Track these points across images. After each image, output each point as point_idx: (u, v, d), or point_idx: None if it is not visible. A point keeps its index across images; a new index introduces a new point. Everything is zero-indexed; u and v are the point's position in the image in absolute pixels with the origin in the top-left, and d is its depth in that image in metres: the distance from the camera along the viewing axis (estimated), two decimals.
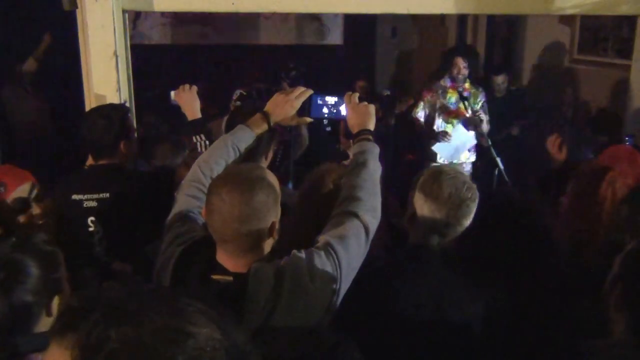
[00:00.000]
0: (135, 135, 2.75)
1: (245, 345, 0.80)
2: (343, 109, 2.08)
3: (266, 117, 2.01)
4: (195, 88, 2.78)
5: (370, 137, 1.92)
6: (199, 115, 2.75)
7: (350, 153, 1.93)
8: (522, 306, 1.77)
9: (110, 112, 2.59)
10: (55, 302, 1.45)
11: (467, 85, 4.63)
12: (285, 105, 2.02)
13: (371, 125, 1.96)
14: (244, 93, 4.23)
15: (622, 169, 2.19)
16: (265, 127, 2.01)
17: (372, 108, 2.01)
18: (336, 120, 2.06)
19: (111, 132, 2.51)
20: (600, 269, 1.54)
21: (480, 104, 4.63)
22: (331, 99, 2.10)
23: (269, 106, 2.04)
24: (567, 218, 2.20)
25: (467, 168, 4.64)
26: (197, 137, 2.73)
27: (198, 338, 0.74)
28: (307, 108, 2.08)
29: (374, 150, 1.88)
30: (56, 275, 1.47)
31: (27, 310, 1.40)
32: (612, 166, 2.22)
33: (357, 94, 2.04)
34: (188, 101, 2.76)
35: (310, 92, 2.07)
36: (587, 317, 1.67)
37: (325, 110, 2.10)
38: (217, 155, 1.90)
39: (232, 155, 1.91)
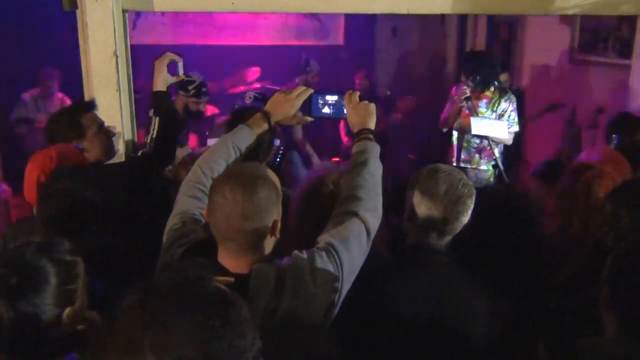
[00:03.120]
0: (107, 133, 2.67)
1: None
2: (344, 108, 2.06)
3: (266, 116, 2.00)
4: (167, 57, 2.66)
5: (371, 136, 1.92)
6: (158, 87, 2.65)
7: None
8: (519, 304, 1.78)
9: (66, 112, 2.62)
10: (66, 313, 1.44)
11: (487, 92, 4.36)
12: (286, 104, 2.01)
13: (372, 124, 1.96)
14: (258, 96, 4.22)
15: (603, 170, 2.21)
16: (265, 126, 2.00)
17: (372, 107, 2.00)
18: (337, 120, 2.06)
19: (62, 132, 2.54)
20: (587, 266, 1.55)
21: (501, 111, 4.35)
22: (332, 98, 2.09)
23: (269, 105, 2.04)
24: (554, 215, 2.23)
25: (484, 175, 4.47)
26: (150, 110, 2.69)
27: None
28: (307, 107, 2.07)
29: (375, 149, 1.87)
30: (72, 286, 1.46)
31: (37, 318, 1.39)
32: (594, 166, 2.24)
33: (357, 93, 2.03)
34: (155, 69, 2.66)
35: (311, 91, 2.06)
36: (582, 314, 1.68)
37: (325, 109, 2.09)
38: (217, 156, 1.90)
39: (232, 155, 1.91)
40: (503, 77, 5.24)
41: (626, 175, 2.32)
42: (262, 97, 4.16)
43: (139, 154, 2.76)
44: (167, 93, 2.68)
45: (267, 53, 6.82)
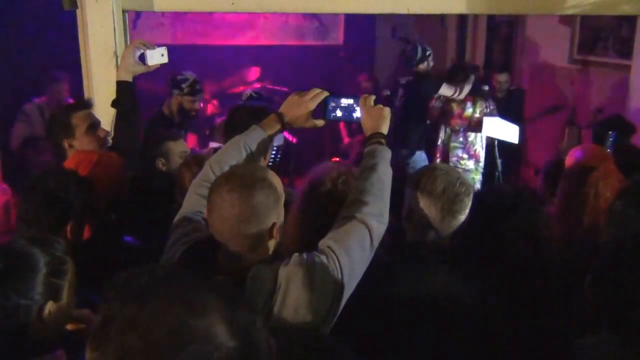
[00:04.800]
0: (97, 132, 2.59)
1: (252, 331, 0.85)
2: (357, 112, 2.04)
3: (280, 118, 1.99)
4: (134, 44, 2.49)
5: (383, 140, 1.89)
6: (121, 77, 2.48)
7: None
8: (515, 302, 1.78)
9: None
10: (49, 307, 1.43)
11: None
12: (300, 106, 1.99)
13: (384, 129, 1.92)
14: (254, 95, 4.21)
15: (605, 169, 2.21)
16: (278, 127, 1.99)
17: (386, 111, 1.97)
18: (350, 123, 2.02)
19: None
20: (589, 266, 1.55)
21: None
22: (346, 101, 2.05)
23: (283, 107, 2.02)
24: (557, 216, 2.24)
25: (468, 175, 4.53)
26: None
27: (196, 331, 0.80)
28: (322, 110, 2.04)
29: (385, 154, 1.84)
30: (60, 281, 1.46)
31: (23, 308, 1.39)
32: (596, 166, 2.24)
33: (373, 97, 2.00)
34: (121, 57, 2.51)
35: (326, 93, 2.03)
36: (577, 313, 1.68)
37: (339, 112, 2.06)
38: (228, 155, 1.89)
39: (243, 155, 1.90)
40: (503, 77, 5.26)
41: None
42: (258, 96, 4.16)
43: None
44: (131, 83, 2.53)
45: (267, 53, 6.82)
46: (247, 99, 4.31)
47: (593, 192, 2.14)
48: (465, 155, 4.53)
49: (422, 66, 4.76)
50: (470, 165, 4.56)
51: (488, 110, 4.60)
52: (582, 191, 2.18)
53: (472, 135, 4.56)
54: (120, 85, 2.52)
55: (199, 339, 0.79)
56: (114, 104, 2.56)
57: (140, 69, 2.53)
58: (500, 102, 5.20)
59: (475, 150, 4.54)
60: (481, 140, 4.55)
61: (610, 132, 3.23)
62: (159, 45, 2.56)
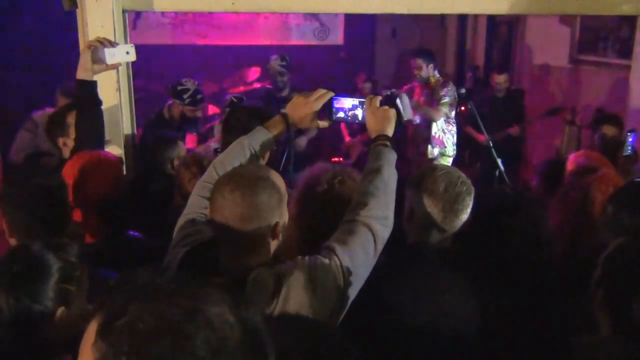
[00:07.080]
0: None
1: (257, 326, 0.87)
2: (362, 113, 2.02)
3: (285, 118, 1.99)
4: (91, 43, 2.41)
5: (388, 143, 1.86)
6: (79, 76, 2.41)
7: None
8: (515, 304, 1.78)
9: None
10: (60, 313, 1.43)
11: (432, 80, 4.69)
12: (305, 107, 1.98)
13: (389, 131, 1.90)
14: (234, 100, 4.22)
15: (606, 173, 2.23)
16: (283, 128, 1.98)
17: (391, 113, 1.93)
18: (355, 124, 1.99)
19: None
20: (588, 267, 1.55)
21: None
22: (351, 102, 2.04)
23: (288, 108, 2.01)
24: (556, 218, 2.25)
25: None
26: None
27: (209, 315, 0.81)
28: (327, 111, 2.03)
29: (390, 156, 1.82)
30: (70, 287, 1.47)
31: (34, 312, 1.40)
32: (597, 168, 2.25)
33: (378, 98, 1.97)
34: (80, 56, 2.43)
35: (331, 94, 2.02)
36: (578, 313, 1.68)
37: (344, 113, 2.05)
38: (233, 157, 1.88)
39: (248, 156, 1.89)
40: (502, 77, 5.25)
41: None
42: (239, 101, 4.17)
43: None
44: (89, 82, 2.45)
45: (267, 53, 6.82)
46: (229, 104, 4.33)
47: (583, 195, 2.15)
48: (428, 146, 4.68)
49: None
50: (436, 152, 4.70)
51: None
52: (573, 194, 2.18)
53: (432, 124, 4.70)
54: (78, 84, 2.45)
55: (215, 323, 0.80)
56: (75, 104, 2.52)
57: (100, 67, 2.44)
58: (500, 102, 5.20)
59: (438, 137, 4.68)
60: (442, 125, 4.68)
61: (628, 133, 3.15)
62: (126, 43, 2.52)
